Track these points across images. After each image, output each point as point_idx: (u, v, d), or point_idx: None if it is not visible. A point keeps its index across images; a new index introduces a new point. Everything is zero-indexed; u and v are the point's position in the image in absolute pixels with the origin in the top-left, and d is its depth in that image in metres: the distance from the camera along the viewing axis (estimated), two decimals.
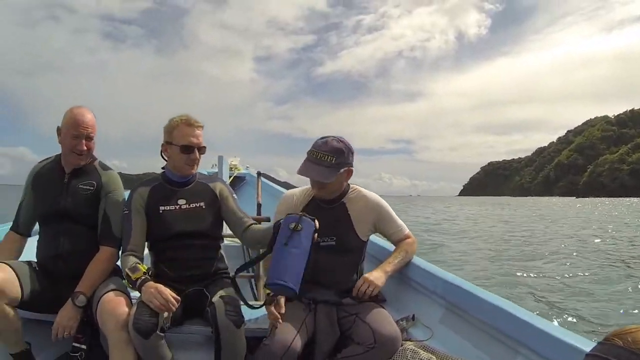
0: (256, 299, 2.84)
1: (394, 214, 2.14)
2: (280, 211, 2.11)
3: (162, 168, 2.08)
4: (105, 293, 1.82)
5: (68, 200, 2.02)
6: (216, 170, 5.04)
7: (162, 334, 1.69)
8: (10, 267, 1.85)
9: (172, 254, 1.99)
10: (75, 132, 1.95)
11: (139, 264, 1.83)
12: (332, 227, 1.99)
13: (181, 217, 1.99)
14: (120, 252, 1.98)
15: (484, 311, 1.76)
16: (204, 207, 2.03)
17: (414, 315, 2.04)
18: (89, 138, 1.99)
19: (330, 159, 1.90)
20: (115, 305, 1.75)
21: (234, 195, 2.13)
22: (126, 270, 1.82)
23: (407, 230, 2.18)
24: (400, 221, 2.16)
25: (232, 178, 5.35)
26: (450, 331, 1.93)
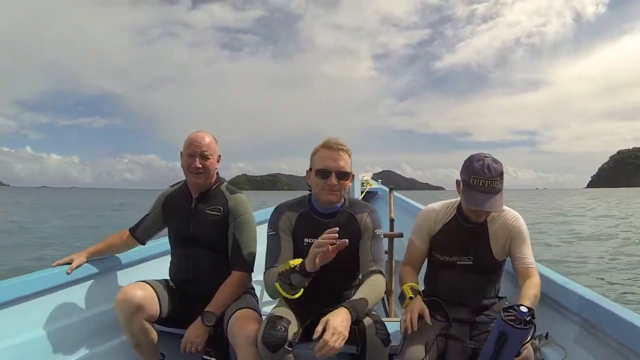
0: (387, 314, 2.78)
1: (528, 239, 1.93)
2: (419, 225, 2.02)
3: (309, 190, 1.97)
4: (237, 310, 1.89)
5: (195, 225, 2.07)
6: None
7: (289, 349, 1.67)
8: (151, 285, 2.01)
9: (318, 286, 1.81)
10: (189, 151, 2.03)
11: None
12: (469, 246, 1.91)
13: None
14: (264, 271, 1.87)
15: (623, 332, 1.59)
16: (347, 242, 1.85)
17: (547, 334, 1.83)
18: (204, 157, 2.02)
19: (499, 184, 1.76)
20: (246, 322, 1.81)
21: (378, 231, 1.92)
22: (277, 275, 1.70)
23: (533, 264, 1.90)
24: (530, 250, 1.93)
25: (364, 194, 5.41)
26: (585, 351, 1.77)
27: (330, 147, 1.84)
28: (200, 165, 2.02)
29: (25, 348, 1.91)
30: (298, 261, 1.67)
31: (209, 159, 2.04)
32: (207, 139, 2.05)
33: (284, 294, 1.67)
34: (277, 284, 1.68)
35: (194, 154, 2.02)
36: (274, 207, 2.03)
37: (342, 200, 1.93)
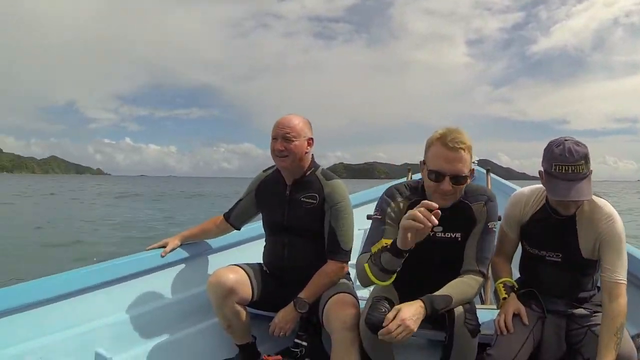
0: (482, 302, 2.64)
1: (621, 248, 1.65)
2: (508, 215, 1.85)
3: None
4: (333, 295, 1.84)
5: (290, 213, 2.02)
6: None
7: None
8: (243, 269, 2.01)
9: (414, 279, 1.72)
10: (273, 134, 1.98)
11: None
12: (557, 241, 1.72)
13: (433, 245, 1.69)
14: (358, 255, 1.78)
15: None
16: (459, 239, 1.73)
17: None
18: (287, 139, 1.94)
19: (584, 168, 1.57)
20: (342, 307, 1.76)
21: (491, 224, 1.73)
22: (368, 257, 1.60)
23: (621, 279, 1.61)
24: (621, 261, 1.64)
25: None
26: None
27: (446, 144, 1.58)
28: (282, 148, 1.94)
29: (120, 327, 2.00)
30: (390, 240, 1.54)
31: (293, 141, 1.94)
32: (293, 122, 1.97)
33: (373, 278, 1.55)
34: (366, 265, 1.57)
35: (277, 137, 1.96)
36: (374, 188, 1.95)
37: None
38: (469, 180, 1.67)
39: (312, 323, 1.96)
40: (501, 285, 1.77)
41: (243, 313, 1.97)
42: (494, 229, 1.74)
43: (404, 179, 1.96)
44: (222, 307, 1.92)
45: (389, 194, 1.78)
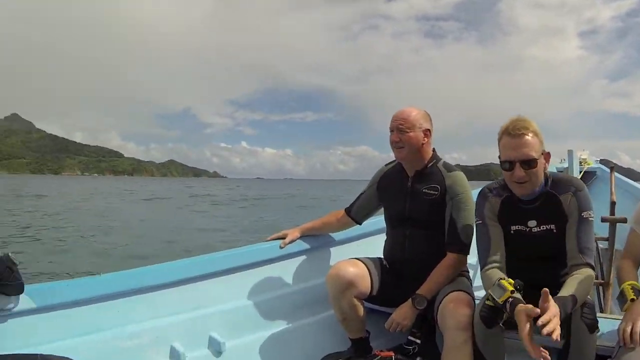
0: (602, 310, 2.49)
1: None
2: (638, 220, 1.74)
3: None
4: (449, 293, 1.83)
5: (412, 205, 2.03)
6: (566, 165, 4.97)
7: (503, 327, 1.59)
8: (363, 263, 2.03)
9: (514, 276, 1.71)
10: (390, 127, 2.02)
11: (504, 279, 1.56)
12: None
13: (531, 240, 1.76)
14: (480, 268, 1.81)
15: None
16: (554, 230, 1.73)
17: None
18: (401, 130, 1.97)
19: None
20: (457, 306, 1.74)
21: (585, 214, 1.68)
22: (489, 291, 1.59)
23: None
24: None
25: (582, 173, 5.06)
26: None
27: (509, 133, 1.65)
28: (398, 139, 1.98)
29: (235, 314, 2.07)
30: (510, 286, 1.50)
31: (407, 132, 1.97)
32: (407, 113, 1.99)
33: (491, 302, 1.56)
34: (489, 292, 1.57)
35: (393, 128, 2.01)
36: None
37: (543, 181, 1.74)
38: (542, 165, 1.68)
39: (426, 320, 1.95)
40: (629, 286, 1.65)
41: (360, 307, 2.00)
42: (589, 218, 1.69)
43: (492, 182, 1.95)
44: (340, 300, 1.96)
45: (482, 194, 1.84)
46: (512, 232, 1.79)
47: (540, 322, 1.33)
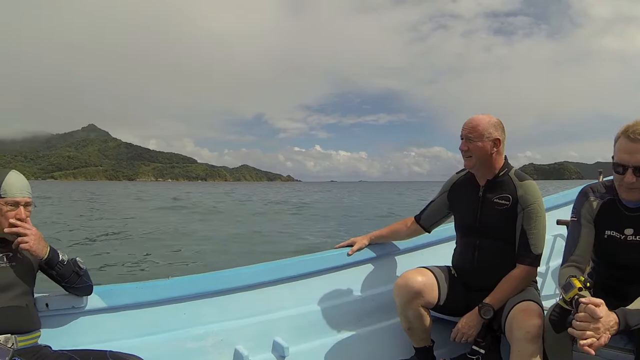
0: None
1: None
2: None
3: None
4: (518, 302, 1.80)
5: (483, 215, 2.01)
6: None
7: (572, 338, 1.53)
8: (432, 272, 2.04)
9: (605, 282, 1.75)
10: (460, 134, 2.00)
11: (574, 277, 1.53)
12: None
13: (623, 248, 1.69)
14: (562, 261, 1.77)
15: None
16: None
17: None
18: (468, 139, 1.97)
19: None
20: (527, 316, 1.71)
21: None
22: (560, 288, 1.59)
23: None
24: None
25: None
26: None
27: (628, 136, 1.56)
28: (466, 148, 1.98)
29: (301, 320, 2.11)
30: (579, 283, 1.47)
31: (475, 142, 1.96)
32: (476, 122, 1.97)
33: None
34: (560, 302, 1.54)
35: (462, 137, 2.00)
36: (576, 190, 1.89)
37: None
38: None
39: (492, 330, 1.91)
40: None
41: (426, 317, 2.00)
42: None
43: (596, 182, 1.83)
44: (407, 310, 1.97)
45: (583, 193, 1.80)
46: (605, 236, 1.72)
47: (575, 324, 1.32)
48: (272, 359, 1.97)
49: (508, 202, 1.96)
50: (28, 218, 1.61)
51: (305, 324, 2.10)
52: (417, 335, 2.03)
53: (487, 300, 1.87)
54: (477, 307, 1.88)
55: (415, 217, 2.30)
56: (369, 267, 2.35)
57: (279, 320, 2.04)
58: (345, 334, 2.16)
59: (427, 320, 2.00)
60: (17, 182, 1.59)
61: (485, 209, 2.01)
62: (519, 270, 1.90)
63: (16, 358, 1.42)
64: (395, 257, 2.44)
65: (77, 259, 1.74)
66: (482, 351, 1.86)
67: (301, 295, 2.15)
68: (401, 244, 2.43)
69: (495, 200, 1.99)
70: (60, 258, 1.68)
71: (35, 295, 1.71)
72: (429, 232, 2.30)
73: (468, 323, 1.88)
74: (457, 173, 2.23)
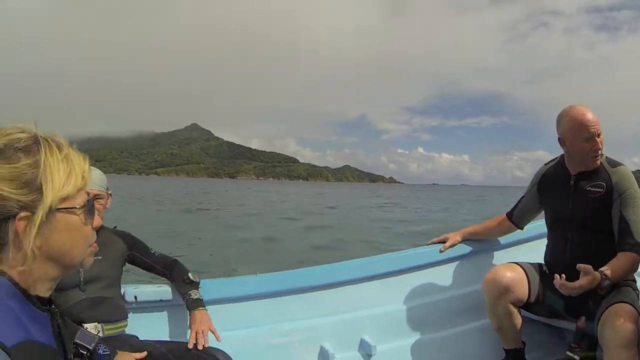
0: None
1: None
2: None
3: None
4: (612, 304, 1.70)
5: (576, 205, 1.94)
6: None
7: None
8: (522, 267, 1.98)
9: None
10: (587, 135, 1.85)
11: None
12: None
13: None
14: None
15: None
16: None
17: None
18: (598, 135, 1.86)
19: None
20: (622, 319, 1.61)
21: None
22: None
23: None
24: None
25: None
26: None
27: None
28: (601, 147, 1.87)
29: (390, 318, 2.08)
30: None
31: (600, 135, 1.86)
32: (594, 115, 1.86)
33: None
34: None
35: (592, 136, 1.85)
36: None
37: None
38: None
39: (587, 335, 1.79)
40: None
41: (516, 315, 1.94)
42: None
43: None
44: (496, 306, 1.92)
45: None
46: None
47: None
48: (359, 357, 1.97)
49: (602, 190, 1.87)
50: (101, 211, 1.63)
51: (394, 322, 2.08)
52: (508, 335, 1.97)
53: (605, 269, 1.68)
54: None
55: (507, 214, 2.25)
56: (460, 265, 2.30)
57: (368, 318, 2.03)
58: (434, 334, 2.12)
59: (518, 318, 1.94)
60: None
61: (577, 198, 1.93)
62: (621, 259, 1.76)
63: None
64: (487, 254, 2.36)
65: (189, 274, 1.79)
66: (577, 357, 1.74)
67: (391, 292, 2.13)
68: (493, 241, 2.36)
69: (588, 188, 1.90)
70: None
71: (124, 287, 1.80)
72: (521, 228, 2.24)
73: (579, 284, 1.65)
74: (545, 164, 2.16)
